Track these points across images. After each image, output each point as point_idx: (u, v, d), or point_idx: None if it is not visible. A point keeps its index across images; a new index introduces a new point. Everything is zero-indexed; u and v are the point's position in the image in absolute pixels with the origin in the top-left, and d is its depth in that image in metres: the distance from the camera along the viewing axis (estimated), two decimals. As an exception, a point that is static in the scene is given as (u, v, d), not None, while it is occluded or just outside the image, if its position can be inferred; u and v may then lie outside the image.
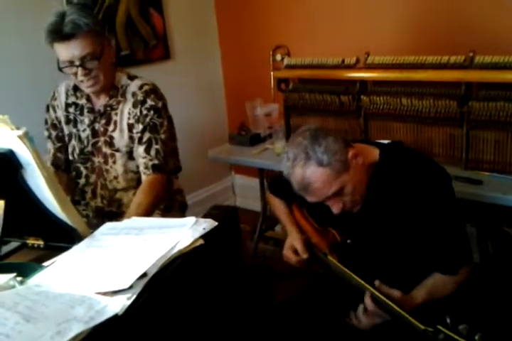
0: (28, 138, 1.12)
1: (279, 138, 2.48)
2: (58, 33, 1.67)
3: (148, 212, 1.73)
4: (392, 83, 2.17)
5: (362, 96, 2.24)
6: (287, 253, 1.63)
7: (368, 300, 1.31)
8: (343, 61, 2.32)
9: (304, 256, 1.59)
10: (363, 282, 1.35)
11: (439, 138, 2.09)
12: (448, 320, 1.14)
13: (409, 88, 2.12)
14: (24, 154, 1.14)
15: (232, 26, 3.28)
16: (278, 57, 2.70)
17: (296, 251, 1.61)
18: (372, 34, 2.62)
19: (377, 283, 1.31)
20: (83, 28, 1.67)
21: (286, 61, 2.55)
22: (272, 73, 2.63)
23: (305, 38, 2.89)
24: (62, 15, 1.68)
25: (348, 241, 1.51)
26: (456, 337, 1.07)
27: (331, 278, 1.61)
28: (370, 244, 1.50)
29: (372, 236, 1.49)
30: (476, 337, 1.05)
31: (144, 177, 1.84)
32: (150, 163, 1.83)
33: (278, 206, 1.82)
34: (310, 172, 1.37)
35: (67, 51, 1.70)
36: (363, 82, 2.26)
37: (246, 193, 3.45)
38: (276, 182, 1.90)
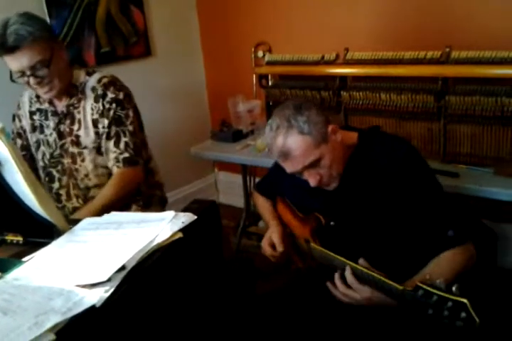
0: (4, 133, 1.12)
1: (261, 135, 2.49)
2: (3, 46, 1.63)
3: (111, 204, 1.72)
4: (371, 78, 2.20)
5: (342, 92, 2.26)
6: (265, 246, 1.65)
7: (347, 273, 1.33)
8: (323, 57, 2.34)
9: (280, 248, 1.60)
10: (345, 259, 1.37)
11: (418, 132, 2.12)
12: (427, 277, 1.16)
13: (387, 83, 2.15)
14: (1, 149, 1.14)
15: (214, 23, 3.28)
16: (260, 53, 2.72)
17: (273, 245, 1.63)
18: (351, 30, 2.64)
19: (361, 260, 1.32)
20: (27, 38, 1.63)
21: (267, 58, 2.57)
22: (253, 70, 2.64)
23: (286, 34, 2.90)
24: (4, 27, 1.63)
25: (332, 223, 1.53)
26: (434, 290, 1.08)
27: (312, 272, 1.63)
28: (352, 225, 1.52)
29: (354, 217, 1.51)
30: (453, 289, 1.06)
31: (114, 171, 1.83)
32: (121, 157, 1.82)
33: (263, 204, 1.85)
34: (291, 140, 1.42)
35: (16, 62, 1.67)
36: (343, 78, 2.29)
37: (229, 189, 3.47)
38: (262, 181, 1.94)
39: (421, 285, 1.11)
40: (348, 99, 2.25)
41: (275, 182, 1.79)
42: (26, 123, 1.97)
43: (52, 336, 0.80)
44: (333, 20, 2.72)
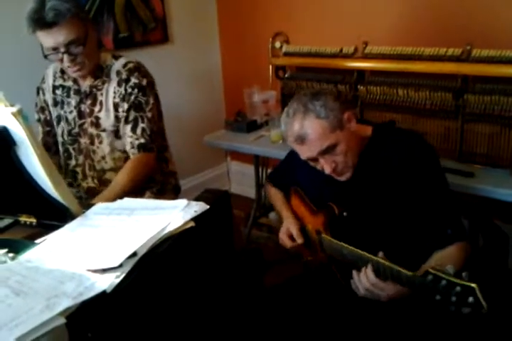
0: (22, 115, 1.13)
1: (275, 126, 2.47)
2: (40, 21, 1.63)
3: (126, 191, 1.72)
4: (390, 73, 2.17)
5: (359, 86, 2.24)
6: (283, 237, 1.65)
7: (369, 272, 1.32)
8: (341, 50, 2.31)
9: (299, 240, 1.61)
10: (360, 251, 1.37)
11: (434, 130, 2.09)
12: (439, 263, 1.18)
13: (406, 79, 2.12)
14: (18, 131, 1.14)
15: (232, 12, 3.26)
16: (277, 44, 2.69)
17: (291, 237, 1.64)
18: (371, 23, 2.61)
19: (380, 254, 1.32)
20: (66, 14, 1.63)
21: (284, 48, 2.54)
22: (270, 60, 2.62)
23: (304, 25, 2.87)
24: (42, 2, 1.63)
25: (345, 213, 1.53)
26: (443, 275, 1.09)
27: (321, 265, 1.64)
28: (364, 217, 1.52)
29: (365, 209, 1.52)
30: (463, 274, 1.07)
31: (131, 156, 1.85)
32: (136, 142, 1.83)
33: (275, 195, 1.85)
34: (308, 123, 1.44)
35: (51, 39, 1.67)
36: (361, 72, 2.26)
37: (241, 180, 3.46)
38: (275, 172, 1.95)
39: (431, 270, 1.12)
40: (365, 94, 2.23)
41: (288, 173, 1.79)
42: (49, 96, 1.98)
43: (63, 319, 0.81)
44: (353, 12, 2.69)
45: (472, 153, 2.01)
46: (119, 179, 1.78)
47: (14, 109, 1.13)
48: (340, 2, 2.74)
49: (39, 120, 2.02)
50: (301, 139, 1.46)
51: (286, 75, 2.56)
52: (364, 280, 1.33)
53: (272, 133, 2.44)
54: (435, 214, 1.45)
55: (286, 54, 2.52)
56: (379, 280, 1.30)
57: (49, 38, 1.67)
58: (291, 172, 1.77)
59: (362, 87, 2.23)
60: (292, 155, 1.63)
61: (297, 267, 1.79)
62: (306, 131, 1.44)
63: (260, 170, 2.82)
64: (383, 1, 2.58)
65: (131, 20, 2.87)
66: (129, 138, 1.84)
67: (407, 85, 2.11)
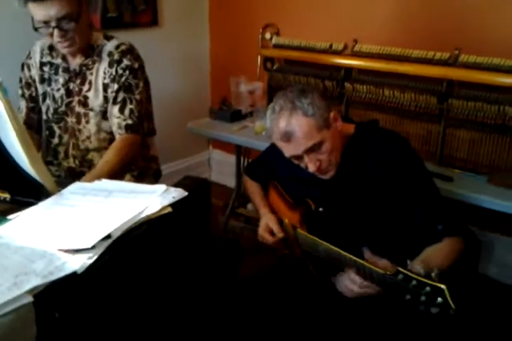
0: (1, 88, 1.10)
1: (260, 117, 2.47)
2: None
3: (114, 170, 1.71)
4: (377, 73, 2.18)
5: (345, 83, 2.25)
6: (264, 234, 1.64)
7: (353, 275, 1.32)
8: (331, 46, 2.32)
9: (280, 235, 1.61)
10: (334, 248, 1.37)
11: (417, 132, 2.12)
12: (408, 262, 1.20)
13: (392, 79, 2.13)
14: (-3, 104, 1.12)
15: (224, -2, 3.22)
16: (267, 35, 2.67)
17: (271, 232, 1.63)
18: (362, 21, 2.61)
19: (367, 254, 1.31)
20: None
21: (274, 40, 2.54)
22: (259, 51, 2.61)
23: (296, 18, 2.86)
24: None
25: (320, 209, 1.53)
26: (413, 275, 1.11)
27: (295, 259, 1.64)
28: (341, 213, 1.53)
29: (344, 206, 1.52)
30: (433, 275, 1.09)
31: (117, 137, 1.83)
32: (123, 123, 1.81)
33: (253, 189, 1.84)
34: (295, 120, 1.42)
35: (44, 11, 1.63)
36: (348, 69, 2.27)
37: (222, 168, 3.45)
38: (253, 165, 1.93)
39: (401, 269, 1.14)
40: (351, 91, 2.24)
41: (267, 166, 1.79)
42: (36, 73, 1.93)
43: (30, 298, 0.80)
44: (346, 8, 2.68)
45: (452, 158, 2.04)
46: (108, 158, 1.75)
47: (-6, 82, 1.10)
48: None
49: (23, 95, 1.97)
50: (287, 137, 1.44)
51: (274, 67, 2.55)
52: (350, 284, 1.33)
53: (257, 124, 2.44)
54: (422, 211, 1.45)
55: (276, 46, 2.52)
56: (363, 280, 1.29)
57: (41, 10, 1.63)
58: (270, 166, 1.76)
59: (348, 85, 2.24)
60: (273, 149, 1.62)
61: (271, 257, 1.79)
62: (293, 128, 1.42)
63: (242, 160, 2.82)
64: (375, 0, 2.58)
65: (120, 1, 2.82)
66: (116, 119, 1.82)
67: (393, 86, 2.12)
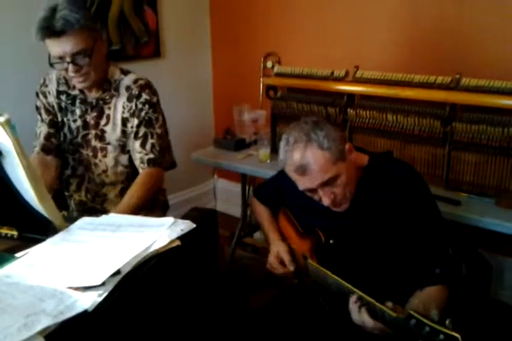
0: (9, 125, 1.11)
1: (264, 145, 2.48)
2: (49, 30, 1.64)
3: (140, 205, 1.72)
4: (379, 98, 2.19)
5: (348, 109, 2.26)
6: (274, 264, 1.60)
7: (365, 316, 1.27)
8: (333, 73, 2.34)
9: (291, 268, 1.57)
10: (345, 283, 1.34)
11: (422, 157, 2.11)
12: (421, 306, 1.17)
13: (395, 104, 2.14)
14: (4, 141, 1.12)
15: (225, 29, 3.28)
16: (269, 64, 2.70)
17: (282, 262, 1.59)
18: (362, 48, 2.65)
19: (389, 304, 1.24)
20: (75, 25, 1.64)
21: (276, 69, 2.56)
22: (261, 79, 2.64)
23: (297, 47, 2.90)
24: (53, 11, 1.65)
25: (331, 241, 1.51)
26: (427, 321, 1.07)
27: (305, 288, 1.62)
28: (352, 246, 1.50)
29: (356, 238, 1.50)
30: (447, 322, 1.05)
31: (140, 172, 1.85)
32: (146, 158, 1.83)
33: (262, 213, 1.81)
34: (310, 153, 1.40)
35: (59, 47, 1.67)
36: (351, 96, 2.28)
37: (227, 198, 3.44)
38: (261, 188, 1.91)
39: (414, 314, 1.10)
40: (354, 117, 2.24)
41: (276, 192, 1.76)
42: (53, 101, 1.94)
43: (41, 339, 0.78)
44: (346, 36, 2.73)
45: (459, 181, 2.03)
46: (134, 191, 1.76)
47: (2, 119, 1.11)
48: (333, 26, 2.77)
49: (42, 121, 1.94)
50: (302, 170, 1.41)
51: (276, 95, 2.57)
52: (364, 323, 1.28)
53: (261, 152, 2.44)
54: (426, 251, 1.43)
55: (278, 74, 2.54)
56: (376, 321, 1.25)
57: (56, 47, 1.68)
58: (279, 192, 1.74)
59: (352, 111, 2.25)
60: (283, 176, 1.61)
61: (280, 288, 1.76)
62: (309, 161, 1.39)
63: (247, 189, 2.81)
64: (375, 27, 2.62)
65: (124, 33, 2.87)
66: (139, 154, 1.84)
67: (397, 111, 2.13)
